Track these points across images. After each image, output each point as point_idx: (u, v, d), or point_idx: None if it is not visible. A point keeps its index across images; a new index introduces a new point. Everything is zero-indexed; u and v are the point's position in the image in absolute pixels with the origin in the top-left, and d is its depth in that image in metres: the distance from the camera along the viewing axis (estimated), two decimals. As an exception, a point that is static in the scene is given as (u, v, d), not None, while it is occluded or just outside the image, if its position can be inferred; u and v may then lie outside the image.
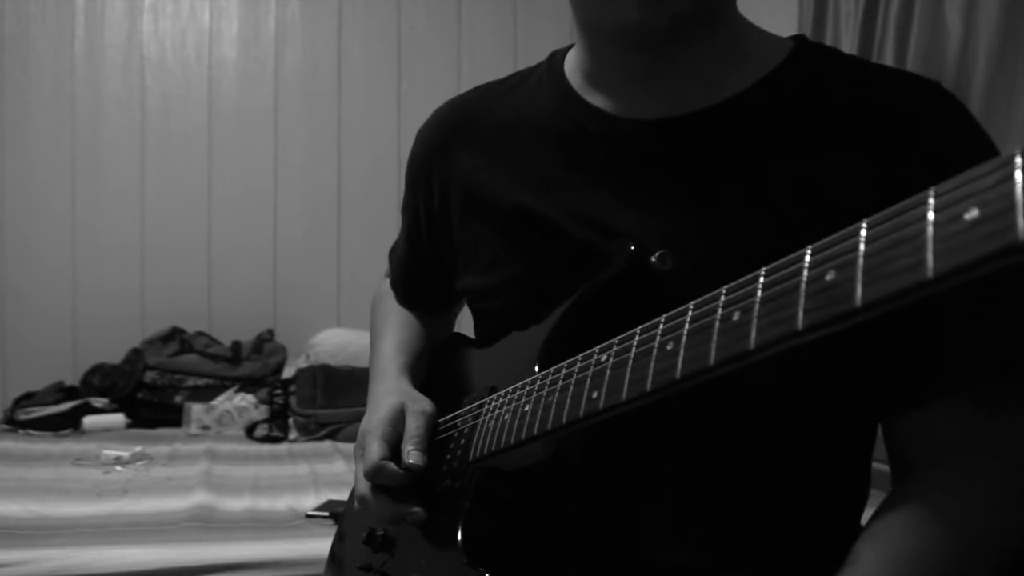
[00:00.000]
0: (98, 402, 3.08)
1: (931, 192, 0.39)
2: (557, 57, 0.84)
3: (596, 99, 0.77)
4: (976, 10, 2.05)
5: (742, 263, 0.67)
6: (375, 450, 0.77)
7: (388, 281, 1.05)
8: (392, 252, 1.03)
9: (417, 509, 0.76)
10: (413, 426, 0.78)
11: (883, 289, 0.40)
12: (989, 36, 2.01)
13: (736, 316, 0.48)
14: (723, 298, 0.50)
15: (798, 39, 0.75)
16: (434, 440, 0.80)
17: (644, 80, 0.74)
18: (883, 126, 0.67)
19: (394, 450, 0.78)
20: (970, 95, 2.03)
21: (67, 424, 2.94)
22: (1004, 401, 0.65)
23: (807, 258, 0.45)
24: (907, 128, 0.67)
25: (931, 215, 0.38)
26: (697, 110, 0.72)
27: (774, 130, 0.70)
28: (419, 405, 0.81)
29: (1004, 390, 0.64)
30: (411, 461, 0.75)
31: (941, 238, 0.37)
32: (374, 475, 0.76)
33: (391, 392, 0.85)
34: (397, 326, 0.97)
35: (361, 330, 3.09)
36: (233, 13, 3.50)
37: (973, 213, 0.36)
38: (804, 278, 0.44)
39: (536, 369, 0.70)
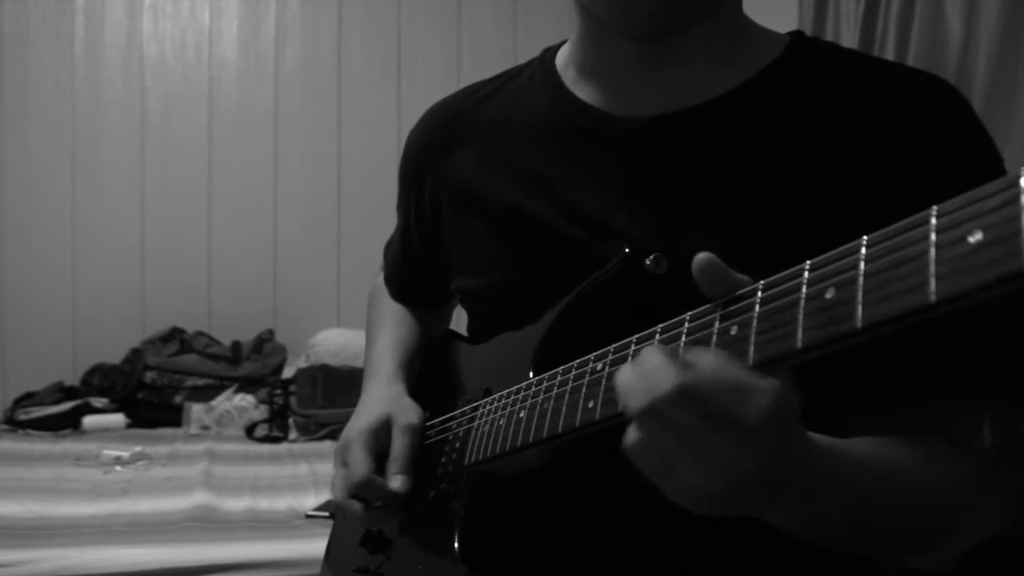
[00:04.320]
0: (98, 402, 3.08)
1: (933, 211, 0.38)
2: (549, 54, 0.83)
3: (589, 95, 0.76)
4: (976, 10, 2.05)
5: (736, 261, 0.67)
6: (360, 462, 0.78)
7: (383, 275, 1.04)
8: (387, 248, 1.02)
9: (395, 520, 0.77)
10: (399, 445, 0.78)
11: (884, 310, 0.39)
12: (990, 36, 2.00)
13: (734, 331, 0.47)
14: (720, 311, 0.49)
15: (795, 35, 0.75)
16: (425, 447, 0.80)
17: (640, 73, 0.73)
18: (881, 125, 0.66)
19: (378, 463, 0.78)
20: (971, 95, 2.02)
21: (67, 424, 2.94)
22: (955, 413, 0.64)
23: (806, 274, 0.44)
24: (906, 128, 0.66)
25: (934, 236, 0.37)
26: (690, 107, 0.71)
27: (766, 127, 0.69)
28: (406, 418, 0.81)
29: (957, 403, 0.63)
30: (395, 487, 0.76)
31: (944, 260, 0.36)
32: (362, 488, 0.77)
33: (380, 400, 0.84)
34: (393, 323, 0.97)
35: (361, 330, 3.08)
36: (233, 13, 3.50)
37: (977, 236, 0.35)
38: (803, 295, 0.43)
39: (531, 374, 0.69)
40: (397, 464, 0.77)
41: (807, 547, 0.71)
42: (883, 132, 0.66)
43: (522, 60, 0.86)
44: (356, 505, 0.79)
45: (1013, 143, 1.90)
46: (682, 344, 0.51)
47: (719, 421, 0.45)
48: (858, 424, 0.66)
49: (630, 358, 0.55)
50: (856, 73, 0.70)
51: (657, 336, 0.54)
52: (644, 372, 0.47)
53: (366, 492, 0.77)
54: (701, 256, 0.50)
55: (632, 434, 0.48)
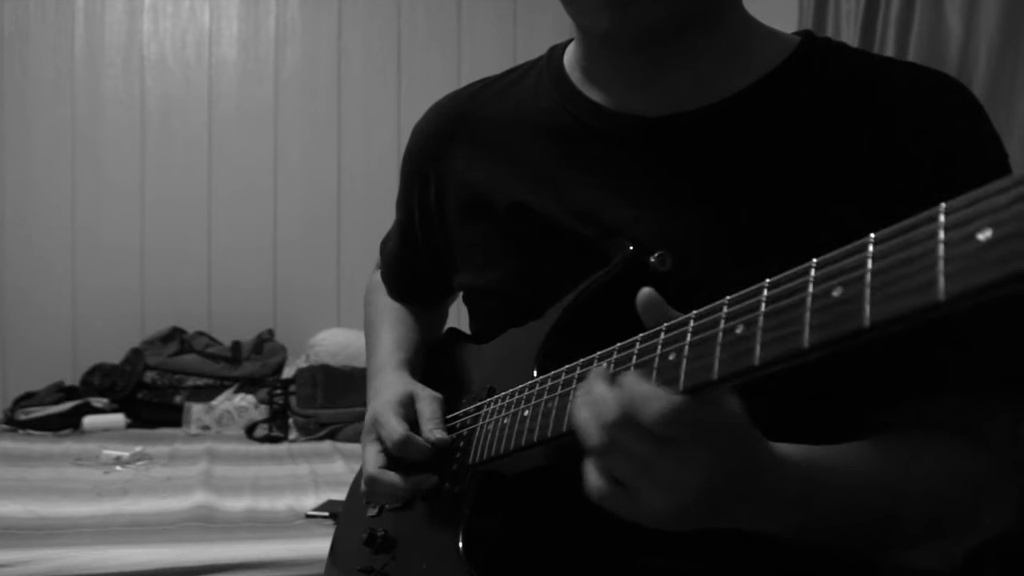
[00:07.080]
0: (98, 402, 3.07)
1: (942, 208, 0.37)
2: (556, 52, 0.83)
3: (596, 95, 0.77)
4: (976, 10, 2.05)
5: (741, 263, 0.66)
6: (395, 425, 0.77)
7: (380, 273, 1.04)
8: (384, 244, 1.02)
9: (431, 475, 0.77)
10: (428, 409, 0.79)
11: (892, 309, 0.38)
12: (989, 36, 2.00)
13: (740, 330, 0.47)
14: (726, 309, 0.48)
15: (804, 35, 0.75)
16: None
17: (645, 75, 0.73)
18: (890, 127, 0.66)
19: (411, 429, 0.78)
20: (970, 95, 2.02)
21: (67, 424, 2.94)
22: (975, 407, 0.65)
23: (812, 272, 0.43)
24: (915, 130, 0.66)
25: (942, 233, 0.37)
26: (697, 108, 0.71)
27: (775, 129, 0.69)
28: (428, 392, 0.82)
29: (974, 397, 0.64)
30: (436, 437, 0.76)
31: (953, 258, 0.36)
32: (402, 447, 0.76)
33: (397, 383, 0.85)
34: (393, 321, 0.97)
35: (361, 330, 3.09)
36: (233, 13, 3.50)
37: (987, 233, 0.35)
38: (810, 292, 0.43)
39: (535, 372, 0.69)
40: (432, 422, 0.78)
41: (806, 551, 0.71)
42: (893, 134, 0.66)
43: (522, 60, 0.86)
44: (393, 476, 0.78)
45: (1014, 142, 1.90)
46: (688, 344, 0.51)
47: (660, 440, 0.50)
48: (879, 419, 0.66)
49: (635, 357, 0.55)
50: (866, 75, 0.69)
51: (662, 334, 0.53)
52: (592, 401, 0.53)
53: (405, 451, 0.77)
54: (643, 291, 0.55)
55: (592, 474, 0.55)
